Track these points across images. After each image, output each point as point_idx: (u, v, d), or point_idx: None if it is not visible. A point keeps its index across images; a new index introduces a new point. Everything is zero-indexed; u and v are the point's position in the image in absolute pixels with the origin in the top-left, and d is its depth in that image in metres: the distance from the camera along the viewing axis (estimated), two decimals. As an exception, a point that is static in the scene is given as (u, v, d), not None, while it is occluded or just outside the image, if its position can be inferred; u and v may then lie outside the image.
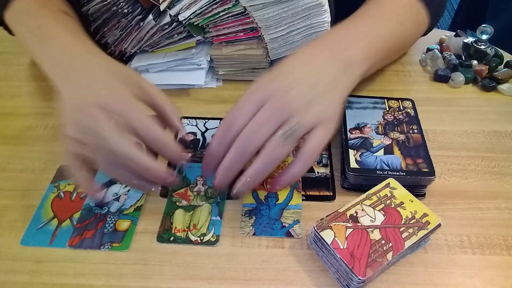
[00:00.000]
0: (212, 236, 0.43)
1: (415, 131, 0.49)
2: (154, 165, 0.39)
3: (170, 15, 0.55)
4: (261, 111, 0.39)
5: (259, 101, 0.40)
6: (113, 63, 0.45)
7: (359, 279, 0.35)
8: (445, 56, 0.63)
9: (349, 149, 0.47)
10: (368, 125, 0.50)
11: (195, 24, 0.56)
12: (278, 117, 0.39)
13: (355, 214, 0.40)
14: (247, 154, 0.39)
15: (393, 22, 0.51)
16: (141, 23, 0.56)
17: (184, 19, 0.54)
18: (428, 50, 0.66)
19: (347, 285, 0.38)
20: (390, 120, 0.51)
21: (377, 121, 0.50)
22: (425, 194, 0.46)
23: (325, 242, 0.38)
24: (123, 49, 0.61)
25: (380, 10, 0.51)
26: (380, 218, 0.39)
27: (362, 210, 0.40)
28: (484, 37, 0.61)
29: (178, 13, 0.54)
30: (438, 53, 0.64)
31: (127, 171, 0.40)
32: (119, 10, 0.56)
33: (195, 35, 0.58)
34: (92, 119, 0.38)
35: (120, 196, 0.47)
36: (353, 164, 0.45)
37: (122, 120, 0.38)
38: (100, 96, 0.40)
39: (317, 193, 0.47)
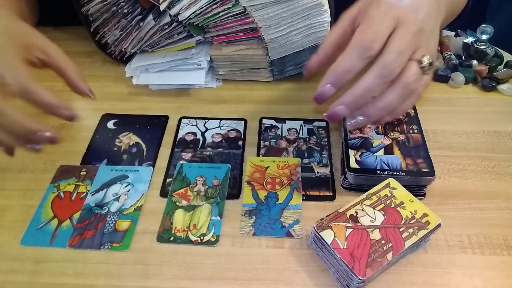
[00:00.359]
0: (212, 236, 0.43)
1: (415, 131, 0.49)
2: (38, 126, 0.40)
3: (170, 15, 0.55)
4: (399, 36, 0.36)
5: (394, 21, 0.37)
6: (12, 23, 0.45)
7: (359, 279, 0.35)
8: (445, 56, 0.63)
9: (349, 149, 0.47)
10: (368, 125, 0.50)
11: (195, 24, 0.56)
12: (414, 44, 0.37)
13: (355, 214, 0.40)
14: (386, 82, 0.36)
15: None
16: (141, 23, 0.56)
17: (184, 19, 0.54)
18: (428, 50, 0.66)
19: (347, 285, 0.38)
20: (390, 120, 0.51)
21: (377, 121, 0.50)
22: (425, 194, 0.46)
23: (325, 242, 0.38)
24: (123, 49, 0.61)
25: None
26: (380, 218, 0.39)
27: (362, 210, 0.40)
28: (484, 37, 0.61)
29: (178, 13, 0.54)
30: (438, 53, 0.64)
31: (11, 135, 0.41)
32: (119, 10, 0.56)
33: (195, 35, 0.58)
34: None
35: (120, 196, 0.47)
36: (353, 164, 0.45)
37: (3, 84, 0.39)
38: None
39: (317, 193, 0.47)
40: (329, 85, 0.38)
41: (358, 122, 0.38)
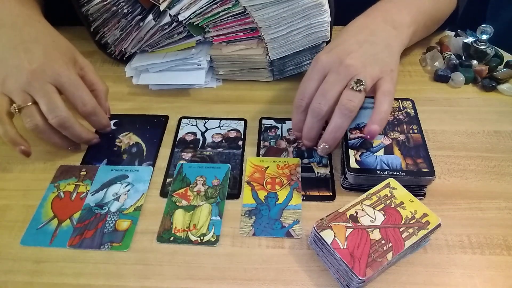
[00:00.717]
0: (212, 236, 0.43)
1: (415, 131, 0.49)
2: (89, 134, 0.50)
3: (170, 15, 0.55)
4: (327, 77, 0.46)
5: (324, 69, 0.46)
6: (58, 37, 0.51)
7: (359, 279, 0.35)
8: (445, 56, 0.63)
9: (349, 149, 0.47)
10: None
11: (195, 24, 0.56)
12: (343, 79, 0.45)
13: (355, 214, 0.40)
14: (323, 115, 0.45)
15: None
16: (141, 23, 0.56)
17: (184, 19, 0.54)
18: (428, 50, 0.66)
19: (347, 285, 0.38)
20: (390, 120, 0.51)
21: (377, 121, 0.50)
22: (425, 194, 0.46)
23: (325, 242, 0.38)
24: (123, 49, 0.61)
25: None
26: (380, 218, 0.39)
27: (362, 210, 0.40)
28: (484, 37, 0.61)
29: (178, 13, 0.54)
30: (438, 53, 0.64)
31: (56, 135, 0.48)
32: (119, 10, 0.56)
33: (195, 35, 0.58)
34: (36, 80, 0.45)
35: (120, 196, 0.47)
36: (353, 164, 0.45)
37: (58, 83, 0.46)
38: (36, 61, 0.46)
39: (317, 193, 0.47)
40: (305, 142, 0.49)
41: (322, 148, 0.47)
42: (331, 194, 0.47)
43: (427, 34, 0.65)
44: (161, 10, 0.54)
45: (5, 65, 0.46)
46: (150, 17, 0.56)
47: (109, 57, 0.64)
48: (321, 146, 0.46)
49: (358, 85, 0.44)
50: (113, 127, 0.55)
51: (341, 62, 0.45)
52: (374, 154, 0.46)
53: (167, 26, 0.57)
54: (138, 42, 0.59)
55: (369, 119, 0.44)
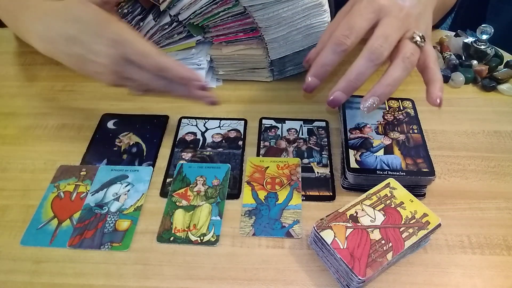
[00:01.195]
0: (212, 236, 0.43)
1: (415, 131, 0.49)
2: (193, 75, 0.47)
3: (170, 15, 0.55)
4: (386, 20, 0.41)
5: (380, 11, 0.41)
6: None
7: (359, 279, 0.35)
8: (445, 56, 0.63)
9: (349, 149, 0.47)
10: (368, 125, 0.50)
11: (195, 24, 0.56)
12: (403, 28, 0.41)
13: (355, 214, 0.40)
14: (382, 59, 0.40)
15: None
16: (141, 23, 0.56)
17: (184, 19, 0.54)
18: (428, 50, 0.66)
19: (347, 285, 0.38)
20: (390, 120, 0.51)
21: (377, 121, 0.50)
22: (425, 194, 0.46)
23: (325, 242, 0.38)
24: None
25: None
26: (380, 218, 0.39)
27: (362, 210, 0.40)
28: (484, 37, 0.61)
29: (178, 13, 0.54)
30: (438, 53, 0.64)
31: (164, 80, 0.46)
32: (119, 10, 0.56)
33: (195, 35, 0.58)
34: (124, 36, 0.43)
35: (120, 196, 0.47)
36: (353, 164, 0.45)
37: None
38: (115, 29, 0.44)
39: (317, 193, 0.47)
40: (312, 77, 0.42)
41: (371, 103, 0.41)
42: (331, 194, 0.47)
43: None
44: (161, 10, 0.54)
45: None
46: (150, 17, 0.56)
47: None
48: (371, 100, 0.40)
49: (422, 40, 0.41)
50: (113, 127, 0.55)
51: (402, 9, 0.41)
52: (374, 154, 0.46)
53: (167, 26, 0.57)
54: (138, 42, 0.59)
55: (429, 85, 0.43)
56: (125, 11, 0.56)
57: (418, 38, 0.41)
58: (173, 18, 0.55)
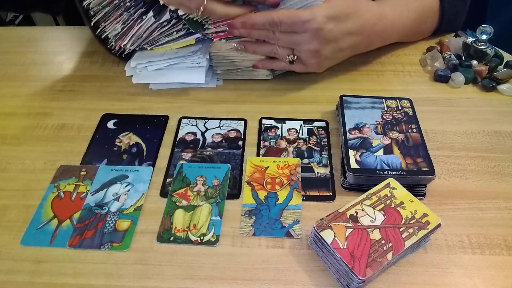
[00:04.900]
0: (212, 236, 0.43)
1: (414, 130, 0.49)
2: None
3: (170, 10, 0.54)
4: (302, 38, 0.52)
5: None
6: None
7: (359, 279, 0.35)
8: (445, 56, 0.63)
9: (349, 149, 0.47)
10: (367, 125, 0.50)
11: (194, 19, 0.55)
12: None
13: (355, 214, 0.40)
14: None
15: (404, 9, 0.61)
16: (144, 16, 0.56)
17: (183, 14, 0.54)
18: (428, 50, 0.66)
19: (347, 285, 0.38)
20: (389, 119, 0.51)
21: (376, 121, 0.50)
22: (425, 194, 0.46)
23: (325, 242, 0.38)
24: (122, 45, 0.61)
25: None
26: (380, 218, 0.39)
27: (362, 210, 0.40)
28: (484, 37, 0.61)
29: (178, 8, 0.54)
30: (438, 53, 0.64)
31: None
32: (122, 3, 0.55)
33: (194, 31, 0.58)
34: None
35: (120, 196, 0.47)
36: (353, 164, 0.45)
37: None
38: None
39: (317, 193, 0.47)
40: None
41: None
42: (331, 194, 0.47)
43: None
44: (161, 3, 0.53)
45: None
46: (151, 13, 0.55)
47: (109, 52, 0.63)
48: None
49: (294, 59, 0.54)
50: (113, 127, 0.55)
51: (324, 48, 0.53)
52: (374, 154, 0.46)
53: (166, 23, 0.57)
54: (138, 39, 0.59)
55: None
56: (128, 4, 0.56)
57: (293, 57, 0.54)
58: (172, 14, 0.55)
